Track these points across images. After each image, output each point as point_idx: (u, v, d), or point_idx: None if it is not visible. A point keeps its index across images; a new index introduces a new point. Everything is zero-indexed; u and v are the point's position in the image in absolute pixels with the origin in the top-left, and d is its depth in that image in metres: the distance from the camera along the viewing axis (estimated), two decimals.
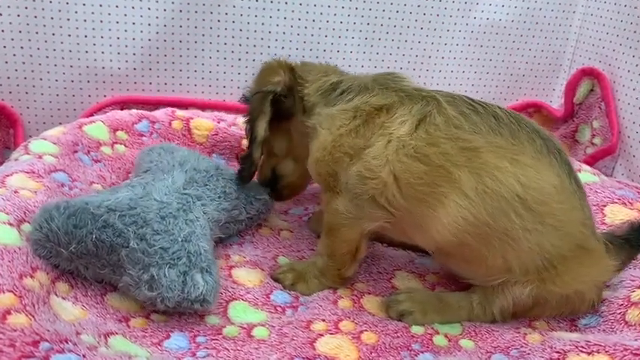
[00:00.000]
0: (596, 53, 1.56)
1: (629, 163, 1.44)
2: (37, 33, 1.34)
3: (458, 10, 1.54)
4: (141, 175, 1.09)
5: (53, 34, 1.35)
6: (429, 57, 1.58)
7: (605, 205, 1.19)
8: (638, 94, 1.42)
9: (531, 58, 1.65)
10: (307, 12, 1.46)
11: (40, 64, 1.37)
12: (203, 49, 1.46)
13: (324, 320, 0.90)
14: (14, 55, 1.34)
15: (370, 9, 1.50)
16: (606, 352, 0.79)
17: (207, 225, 0.97)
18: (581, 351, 0.81)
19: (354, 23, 1.51)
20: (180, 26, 1.42)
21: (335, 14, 1.48)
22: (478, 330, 0.91)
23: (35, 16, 1.32)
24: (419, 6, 1.52)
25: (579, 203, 0.87)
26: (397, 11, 1.51)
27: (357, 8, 1.49)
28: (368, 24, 1.51)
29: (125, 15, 1.37)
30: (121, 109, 1.41)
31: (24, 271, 0.79)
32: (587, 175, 1.31)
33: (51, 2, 1.32)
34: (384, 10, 1.50)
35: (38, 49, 1.35)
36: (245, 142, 1.37)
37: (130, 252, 0.83)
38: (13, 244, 0.83)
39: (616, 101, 1.48)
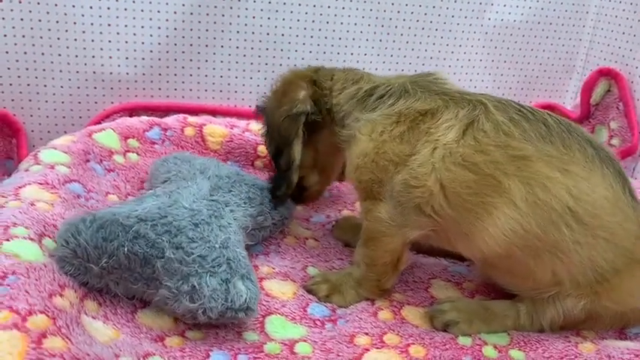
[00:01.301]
0: (611, 53, 1.55)
1: None
2: (41, 37, 1.28)
3: (472, 11, 1.52)
4: (160, 186, 1.04)
5: (58, 39, 1.29)
6: (444, 59, 1.55)
7: None
8: None
9: (545, 60, 1.63)
10: (321, 14, 1.43)
11: (44, 70, 1.31)
12: (214, 53, 1.41)
13: (367, 334, 0.86)
14: (17, 60, 1.28)
15: (384, 11, 1.46)
16: None
17: (239, 231, 0.92)
18: None
19: (368, 25, 1.47)
20: (191, 29, 1.37)
21: (349, 16, 1.45)
22: (527, 339, 0.87)
23: (39, 20, 1.26)
24: (433, 7, 1.49)
25: (633, 214, 0.84)
26: (412, 12, 1.48)
27: (370, 10, 1.46)
28: (382, 26, 1.48)
29: (134, 18, 1.32)
30: (130, 116, 1.35)
31: (52, 289, 0.74)
32: None
33: (56, 5, 1.26)
34: (398, 12, 1.47)
35: (42, 54, 1.29)
36: (261, 149, 1.33)
37: (166, 262, 0.78)
38: (38, 261, 0.77)
39: (635, 101, 1.46)
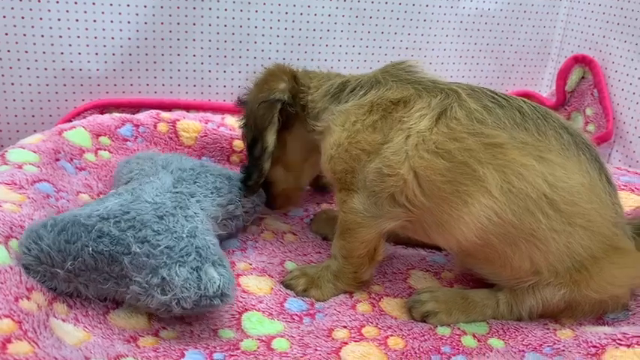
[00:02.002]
0: (585, 40, 1.55)
1: (626, 149, 1.43)
2: (6, 34, 1.24)
3: (447, 0, 1.51)
4: (123, 186, 1.01)
5: (24, 35, 1.26)
6: (419, 49, 1.55)
7: None
8: (630, 79, 1.42)
9: (520, 47, 1.63)
10: (294, 5, 1.41)
11: (11, 68, 1.27)
12: (186, 47, 1.38)
13: (345, 327, 0.85)
14: None
15: (358, 1, 1.45)
16: None
17: (207, 220, 0.90)
18: (620, 344, 0.77)
19: (343, 16, 1.46)
20: (162, 23, 1.34)
21: (323, 7, 1.43)
22: (506, 328, 0.87)
23: (4, 16, 1.23)
24: None
25: (610, 201, 0.84)
26: (386, 2, 1.47)
27: (344, 1, 1.44)
28: (357, 17, 1.46)
29: (102, 13, 1.29)
30: (101, 114, 1.33)
31: (19, 292, 0.71)
32: None
33: (21, 1, 1.23)
34: (372, 2, 1.46)
35: (8, 51, 1.26)
36: (237, 144, 1.31)
37: (133, 258, 0.76)
38: (4, 264, 0.75)
39: (609, 87, 1.47)
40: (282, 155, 1.05)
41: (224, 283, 0.76)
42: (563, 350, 0.80)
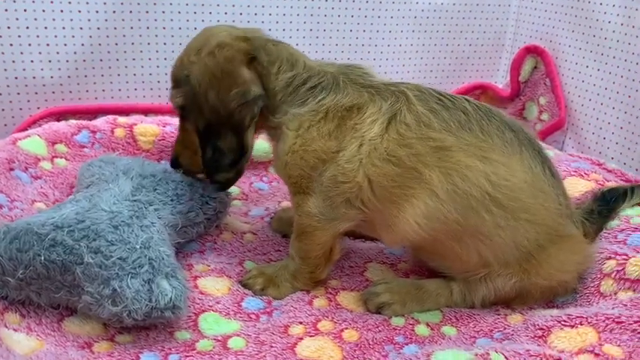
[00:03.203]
0: (536, 31, 1.59)
1: (578, 136, 1.47)
2: None
3: None
4: (83, 191, 1.01)
5: None
6: (375, 45, 1.56)
7: (562, 179, 1.20)
8: (580, 67, 1.46)
9: (474, 40, 1.66)
10: (248, 6, 1.41)
11: None
12: (141, 51, 1.38)
13: (301, 323, 0.86)
14: None
15: (312, 0, 1.46)
16: (589, 323, 0.80)
17: (164, 230, 0.91)
18: (564, 325, 0.81)
19: (297, 15, 1.46)
20: (115, 28, 1.33)
21: (277, 6, 1.44)
22: (459, 316, 0.90)
23: None
24: None
25: (554, 193, 0.87)
26: (340, 0, 1.48)
27: (298, 0, 1.45)
28: (311, 15, 1.48)
29: (54, 19, 1.28)
30: (58, 121, 1.32)
31: None
32: None
33: None
34: (326, 1, 1.47)
35: None
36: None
37: (85, 268, 0.76)
38: None
39: (560, 76, 1.51)
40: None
41: (176, 296, 0.77)
42: (512, 334, 0.83)
